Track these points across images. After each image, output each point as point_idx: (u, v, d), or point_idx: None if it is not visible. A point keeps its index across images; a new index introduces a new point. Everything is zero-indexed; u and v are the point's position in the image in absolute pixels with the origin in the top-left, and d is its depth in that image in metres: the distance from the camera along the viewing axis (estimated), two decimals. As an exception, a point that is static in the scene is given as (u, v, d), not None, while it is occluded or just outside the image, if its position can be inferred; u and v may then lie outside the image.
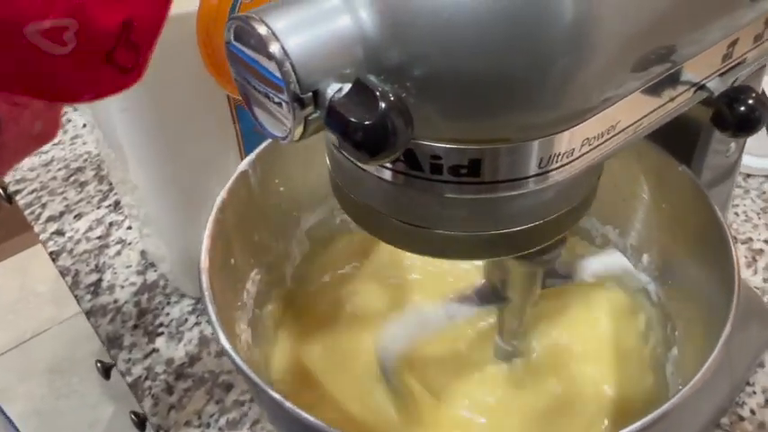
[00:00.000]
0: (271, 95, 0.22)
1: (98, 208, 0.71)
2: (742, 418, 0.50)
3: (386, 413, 0.42)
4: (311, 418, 0.28)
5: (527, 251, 0.29)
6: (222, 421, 0.51)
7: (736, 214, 0.66)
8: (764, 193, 0.69)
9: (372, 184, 0.27)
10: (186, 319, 0.59)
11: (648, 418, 0.27)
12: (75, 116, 0.82)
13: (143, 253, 0.65)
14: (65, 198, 0.72)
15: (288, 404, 0.28)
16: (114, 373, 0.60)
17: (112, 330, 0.59)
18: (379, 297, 0.48)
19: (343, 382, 0.43)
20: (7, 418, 0.77)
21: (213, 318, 0.32)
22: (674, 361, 0.39)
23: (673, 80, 0.28)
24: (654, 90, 0.27)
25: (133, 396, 0.55)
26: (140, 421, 0.69)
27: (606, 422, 0.41)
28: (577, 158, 0.26)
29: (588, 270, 0.44)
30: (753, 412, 0.50)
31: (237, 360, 0.30)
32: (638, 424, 0.27)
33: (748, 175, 0.70)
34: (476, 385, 0.42)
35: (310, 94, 0.22)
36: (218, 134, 0.49)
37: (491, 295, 0.39)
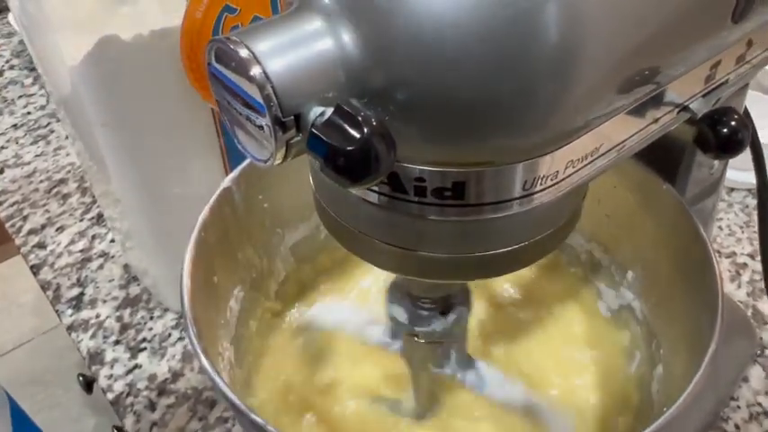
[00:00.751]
0: (252, 118, 0.22)
1: (81, 221, 0.70)
2: (727, 434, 0.50)
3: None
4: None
5: (511, 272, 0.29)
6: (205, 439, 0.51)
7: (720, 228, 0.67)
8: (748, 206, 0.69)
9: (356, 206, 0.27)
10: (169, 334, 0.58)
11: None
12: (59, 127, 0.82)
13: (126, 266, 0.65)
14: (47, 210, 0.71)
15: (270, 428, 0.28)
16: (97, 386, 0.59)
17: (94, 346, 0.58)
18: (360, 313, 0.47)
19: (327, 401, 0.43)
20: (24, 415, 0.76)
21: (194, 340, 0.31)
22: (659, 379, 0.39)
23: (656, 102, 0.28)
24: (637, 112, 0.27)
25: (119, 420, 0.55)
26: (123, 436, 0.68)
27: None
28: (562, 180, 0.26)
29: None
30: (737, 427, 0.51)
31: (220, 384, 0.29)
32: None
33: (732, 189, 0.71)
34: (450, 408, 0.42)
35: (292, 117, 0.21)
36: (202, 149, 0.48)
37: None
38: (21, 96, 0.87)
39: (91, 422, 1.33)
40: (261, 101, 0.21)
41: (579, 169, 0.26)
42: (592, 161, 0.27)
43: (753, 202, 0.68)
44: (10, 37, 0.98)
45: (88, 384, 0.90)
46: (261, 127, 0.22)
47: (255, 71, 0.21)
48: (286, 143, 0.22)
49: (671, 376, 0.37)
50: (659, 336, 0.40)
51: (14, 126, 0.83)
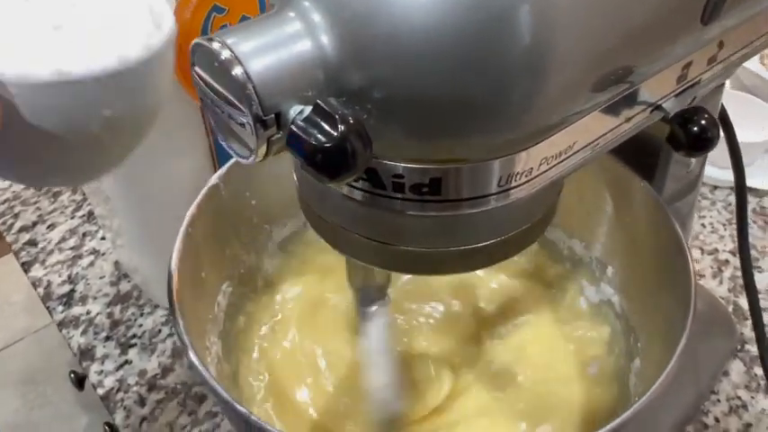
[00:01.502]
0: (234, 116, 0.23)
1: (72, 218, 0.70)
2: (706, 426, 0.51)
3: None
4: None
5: (490, 266, 0.29)
6: (194, 433, 0.52)
7: (703, 225, 0.68)
8: (730, 204, 0.70)
9: (338, 202, 0.28)
10: (159, 330, 0.59)
11: (606, 428, 0.28)
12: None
13: (116, 263, 0.65)
14: (38, 208, 0.72)
15: (253, 418, 0.28)
16: (88, 383, 0.60)
17: (85, 342, 0.59)
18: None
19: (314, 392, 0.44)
20: None
21: (181, 331, 0.32)
22: (636, 372, 0.40)
23: (629, 101, 0.29)
24: (610, 110, 0.28)
25: (109, 416, 0.55)
26: (114, 433, 0.69)
27: (572, 433, 0.42)
28: (536, 177, 0.27)
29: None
30: (717, 420, 0.52)
31: (206, 374, 0.30)
32: (596, 434, 0.27)
33: (715, 187, 0.72)
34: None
35: (272, 115, 0.22)
36: (191, 146, 0.49)
37: None
38: None
39: (83, 420, 1.33)
40: (242, 100, 0.22)
41: (554, 166, 0.27)
42: (566, 158, 0.28)
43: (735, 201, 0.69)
44: None
45: (80, 381, 0.90)
46: (243, 125, 0.23)
47: (237, 71, 0.22)
48: (267, 140, 0.23)
49: (647, 369, 0.38)
50: (637, 330, 0.41)
51: None
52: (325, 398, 0.44)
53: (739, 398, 0.53)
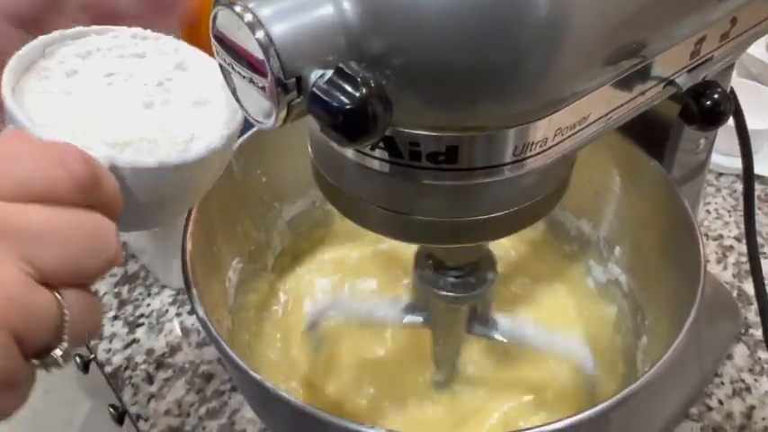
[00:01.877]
0: (255, 80, 0.23)
1: (79, 200, 0.71)
2: (710, 408, 0.52)
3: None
4: (295, 400, 0.28)
5: (504, 237, 0.30)
6: (202, 410, 0.52)
7: (708, 212, 0.68)
8: (735, 191, 0.70)
9: (353, 171, 0.28)
10: (167, 311, 0.60)
11: (613, 399, 0.28)
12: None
13: (124, 244, 0.65)
14: (45, 190, 0.72)
15: (268, 384, 0.29)
16: (93, 367, 0.60)
17: (93, 321, 0.59)
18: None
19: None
20: None
21: (195, 298, 0.32)
22: (643, 349, 0.40)
23: (642, 75, 0.29)
24: (624, 84, 0.29)
25: (111, 389, 0.56)
26: (119, 415, 0.69)
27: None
28: (551, 147, 0.27)
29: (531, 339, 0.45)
30: (721, 402, 0.52)
31: (213, 331, 0.30)
32: (603, 405, 0.28)
33: (720, 174, 0.72)
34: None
35: (294, 79, 0.22)
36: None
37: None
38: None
39: (86, 405, 1.33)
40: (264, 63, 0.22)
41: (568, 137, 0.27)
42: (580, 130, 0.28)
43: (740, 186, 0.69)
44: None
45: (85, 364, 0.91)
46: (263, 88, 0.23)
47: (260, 35, 0.22)
48: (288, 105, 0.23)
49: (654, 346, 0.39)
50: (644, 308, 0.42)
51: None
52: (332, 375, 0.44)
53: (743, 381, 0.53)
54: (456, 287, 0.36)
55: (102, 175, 0.23)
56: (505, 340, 0.42)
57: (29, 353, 0.20)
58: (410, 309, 0.42)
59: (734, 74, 0.82)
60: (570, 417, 0.28)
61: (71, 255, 0.21)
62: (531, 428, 0.28)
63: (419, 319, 0.41)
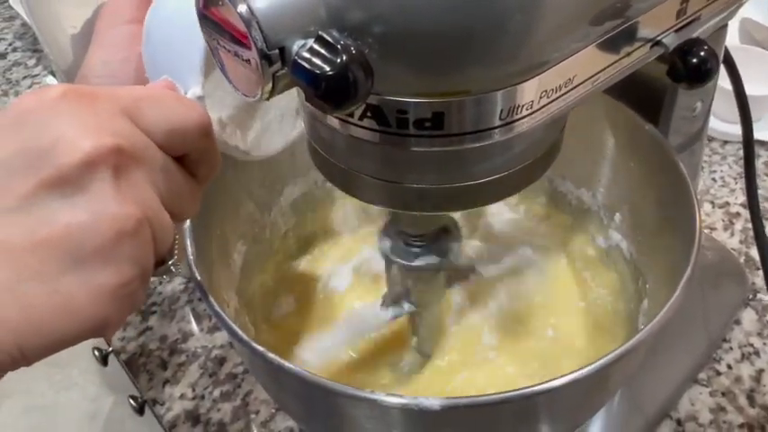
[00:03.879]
0: (240, 53, 0.23)
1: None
2: (719, 373, 0.52)
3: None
4: (307, 373, 0.29)
5: (495, 202, 0.30)
6: (216, 393, 0.53)
7: (714, 180, 0.68)
8: (741, 159, 0.70)
9: (345, 143, 0.28)
10: (178, 298, 0.61)
11: (611, 355, 0.28)
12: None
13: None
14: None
15: (271, 355, 0.30)
16: (112, 360, 0.62)
17: (106, 311, 0.60)
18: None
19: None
20: None
21: (198, 277, 0.33)
22: (644, 312, 0.40)
23: (628, 35, 0.29)
24: (610, 45, 0.29)
25: (130, 379, 0.57)
26: (139, 405, 0.70)
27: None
28: (537, 110, 0.27)
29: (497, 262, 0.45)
30: (729, 367, 0.52)
31: (222, 314, 0.31)
32: (602, 360, 0.28)
33: (725, 142, 0.72)
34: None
35: (277, 51, 0.23)
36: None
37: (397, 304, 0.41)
38: (25, 77, 0.89)
39: (109, 400, 1.35)
40: (247, 36, 0.23)
41: (554, 99, 0.28)
42: (567, 92, 0.28)
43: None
44: (11, 20, 0.99)
45: (104, 358, 0.92)
46: (248, 61, 0.23)
47: (242, 8, 0.22)
48: (272, 76, 0.23)
49: (655, 309, 0.39)
50: (645, 272, 0.42)
51: (21, 107, 0.84)
52: (339, 352, 0.45)
53: (752, 345, 0.54)
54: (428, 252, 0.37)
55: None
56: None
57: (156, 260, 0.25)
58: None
59: (736, 40, 0.82)
60: (569, 373, 0.28)
61: (175, 192, 0.26)
62: (532, 386, 0.28)
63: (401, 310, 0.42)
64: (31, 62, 0.91)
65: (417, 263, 0.37)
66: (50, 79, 0.87)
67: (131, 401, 0.79)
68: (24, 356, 0.22)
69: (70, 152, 0.22)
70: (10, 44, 0.95)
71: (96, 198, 0.22)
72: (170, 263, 0.29)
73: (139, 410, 0.60)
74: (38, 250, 0.22)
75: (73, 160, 0.22)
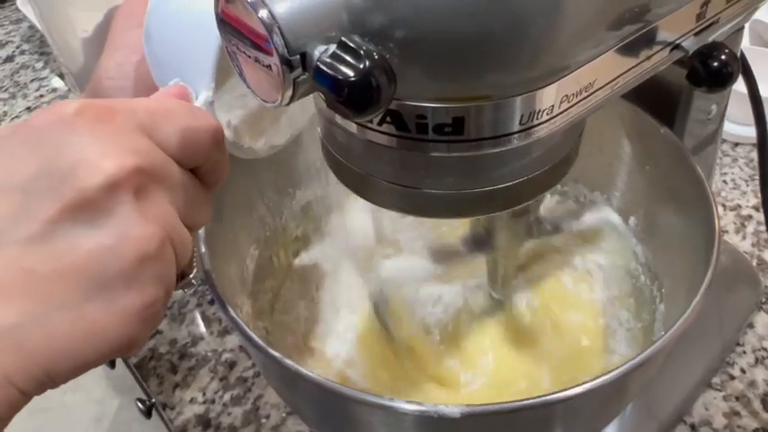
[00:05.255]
0: (261, 59, 0.23)
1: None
2: (733, 377, 0.51)
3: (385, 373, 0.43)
4: (317, 376, 0.29)
5: (514, 207, 0.30)
6: (226, 397, 0.53)
7: (725, 182, 0.68)
8: (752, 161, 0.70)
9: (363, 148, 0.28)
10: (188, 301, 0.60)
11: (631, 363, 0.28)
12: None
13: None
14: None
15: (288, 362, 0.29)
16: (119, 362, 0.61)
17: (116, 314, 0.60)
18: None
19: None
20: None
21: (214, 282, 0.33)
22: (661, 318, 0.40)
23: (648, 39, 0.29)
24: (630, 49, 0.28)
25: (137, 382, 0.57)
26: (147, 408, 0.70)
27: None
28: (557, 115, 0.27)
29: (577, 223, 0.45)
30: (743, 371, 0.52)
31: (232, 313, 0.31)
32: (621, 368, 0.28)
33: (737, 144, 0.71)
34: (472, 343, 0.43)
35: (298, 56, 0.23)
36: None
37: (478, 244, 0.40)
38: (33, 80, 0.89)
39: (115, 402, 1.35)
40: (269, 42, 0.22)
41: (574, 104, 0.27)
42: (586, 96, 0.28)
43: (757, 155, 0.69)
44: (19, 23, 0.99)
45: (111, 361, 0.92)
46: (269, 66, 0.23)
47: (263, 13, 0.22)
48: (293, 82, 0.23)
49: (672, 314, 0.39)
50: (661, 276, 0.42)
51: (28, 109, 0.85)
52: (352, 352, 0.45)
53: (765, 349, 0.53)
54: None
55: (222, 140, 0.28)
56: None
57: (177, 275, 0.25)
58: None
59: (747, 41, 0.81)
60: (587, 381, 0.28)
61: (191, 205, 0.26)
62: (550, 393, 0.28)
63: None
64: (39, 65, 0.91)
65: None
66: (57, 81, 0.87)
67: (139, 404, 0.79)
68: (52, 380, 0.22)
69: (92, 175, 0.22)
70: (17, 47, 0.95)
71: (119, 221, 0.22)
72: (191, 276, 0.28)
73: (147, 413, 0.60)
74: (63, 279, 0.22)
75: (95, 183, 0.22)
